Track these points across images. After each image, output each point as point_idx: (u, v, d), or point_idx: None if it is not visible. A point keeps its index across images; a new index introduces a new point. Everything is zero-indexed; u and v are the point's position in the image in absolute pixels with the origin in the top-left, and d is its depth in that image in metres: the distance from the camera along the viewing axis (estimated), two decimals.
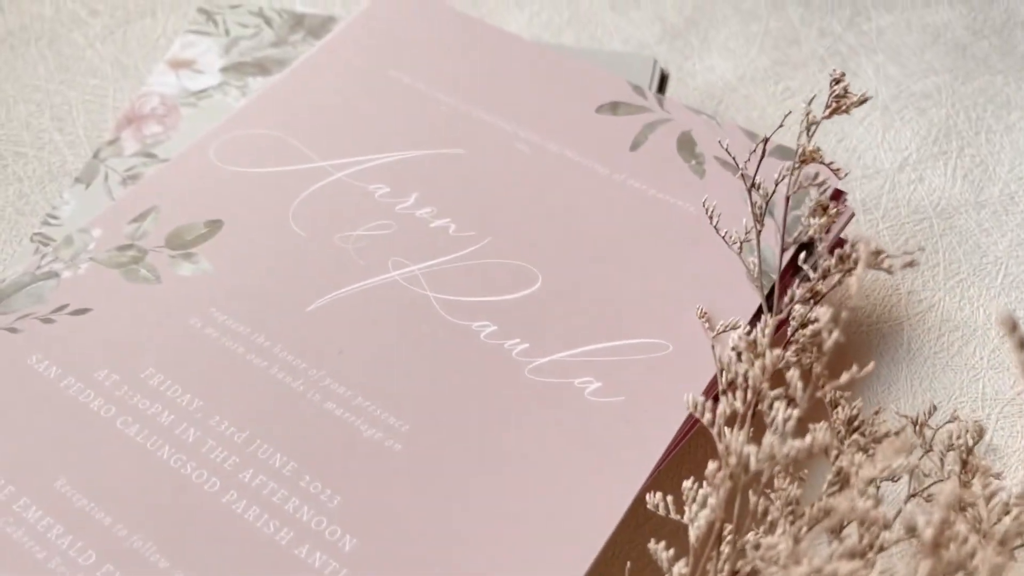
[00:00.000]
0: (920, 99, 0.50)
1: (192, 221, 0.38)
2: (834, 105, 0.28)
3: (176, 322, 0.35)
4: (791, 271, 0.36)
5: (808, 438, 0.24)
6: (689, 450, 0.36)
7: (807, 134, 0.28)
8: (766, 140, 0.31)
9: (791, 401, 0.25)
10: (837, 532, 0.28)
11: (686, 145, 0.40)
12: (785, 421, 0.25)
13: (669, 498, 0.29)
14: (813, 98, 0.30)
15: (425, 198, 0.39)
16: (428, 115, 0.42)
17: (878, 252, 0.28)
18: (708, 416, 0.27)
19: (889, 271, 0.27)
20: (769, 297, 0.34)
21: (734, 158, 0.36)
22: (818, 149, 0.29)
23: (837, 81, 0.28)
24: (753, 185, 0.31)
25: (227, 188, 0.39)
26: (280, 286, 0.36)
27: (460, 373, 0.33)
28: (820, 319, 0.25)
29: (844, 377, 0.25)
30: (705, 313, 0.34)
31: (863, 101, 0.28)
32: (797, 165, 0.29)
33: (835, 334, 0.24)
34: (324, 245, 0.37)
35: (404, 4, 0.47)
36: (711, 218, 0.33)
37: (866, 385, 0.39)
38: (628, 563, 0.30)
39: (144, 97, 0.45)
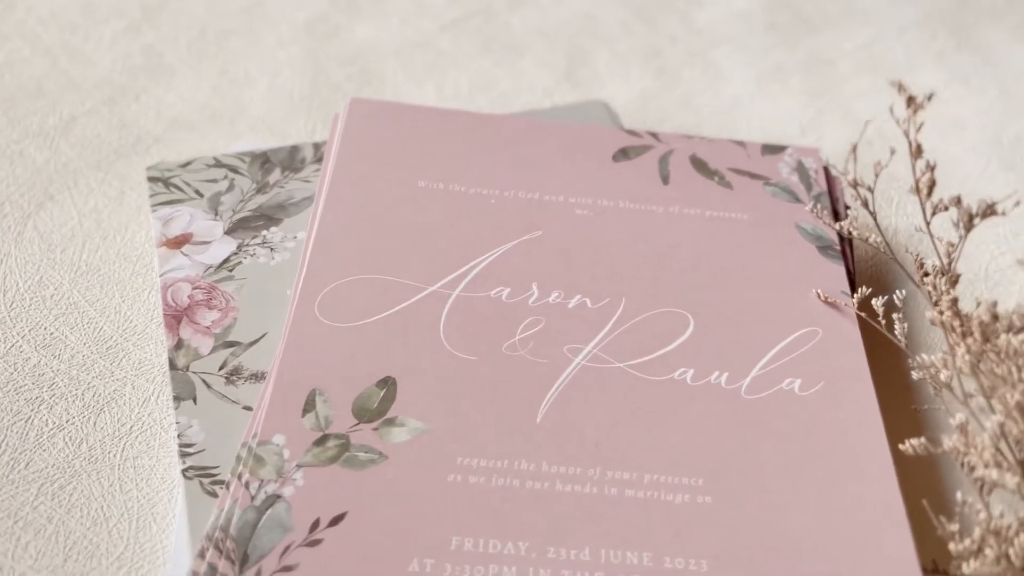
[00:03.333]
0: None
1: (363, 389, 0.37)
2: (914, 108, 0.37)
3: (436, 486, 0.35)
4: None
5: None
6: None
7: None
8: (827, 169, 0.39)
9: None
10: None
11: (701, 166, 0.47)
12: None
13: (919, 440, 0.36)
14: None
15: (545, 285, 0.41)
16: (487, 211, 0.44)
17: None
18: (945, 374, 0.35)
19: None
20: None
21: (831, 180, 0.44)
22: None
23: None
24: (856, 184, 0.39)
25: (361, 344, 0.39)
26: (496, 411, 0.37)
27: (702, 417, 0.37)
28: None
29: None
30: (824, 296, 0.41)
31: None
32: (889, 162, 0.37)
33: None
34: (500, 359, 0.39)
35: (380, 115, 0.47)
36: (819, 218, 0.41)
37: None
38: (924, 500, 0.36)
39: (170, 289, 0.41)
